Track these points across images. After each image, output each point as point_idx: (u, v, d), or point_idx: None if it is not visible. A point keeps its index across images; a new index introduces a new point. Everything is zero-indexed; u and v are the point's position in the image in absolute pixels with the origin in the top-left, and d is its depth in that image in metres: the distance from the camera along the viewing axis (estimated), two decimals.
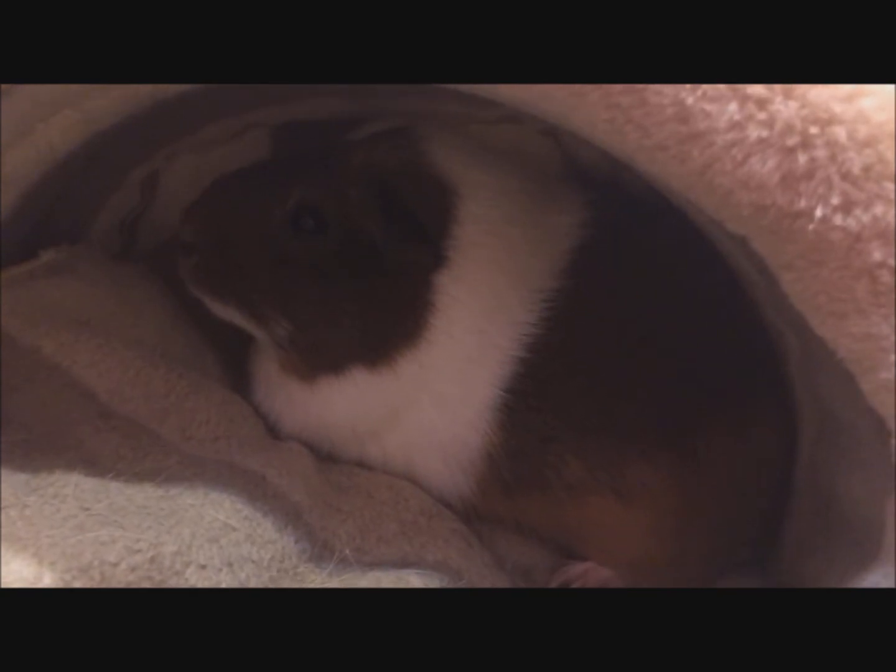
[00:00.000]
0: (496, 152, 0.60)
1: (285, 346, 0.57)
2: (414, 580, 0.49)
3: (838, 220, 0.34)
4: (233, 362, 0.64)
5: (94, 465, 0.49)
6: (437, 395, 0.56)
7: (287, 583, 0.48)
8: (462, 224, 0.55)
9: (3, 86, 0.46)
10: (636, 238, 0.57)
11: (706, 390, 0.54)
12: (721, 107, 0.34)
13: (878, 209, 0.33)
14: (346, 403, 0.57)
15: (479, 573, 0.54)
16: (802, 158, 0.34)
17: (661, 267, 0.56)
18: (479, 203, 0.55)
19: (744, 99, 0.34)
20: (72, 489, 0.45)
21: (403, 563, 0.53)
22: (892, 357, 0.35)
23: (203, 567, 0.45)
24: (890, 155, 0.33)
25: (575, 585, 0.57)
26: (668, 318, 0.55)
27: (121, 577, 0.41)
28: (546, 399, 0.54)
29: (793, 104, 0.34)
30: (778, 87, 0.34)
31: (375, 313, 0.55)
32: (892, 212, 0.33)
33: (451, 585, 0.51)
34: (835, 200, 0.34)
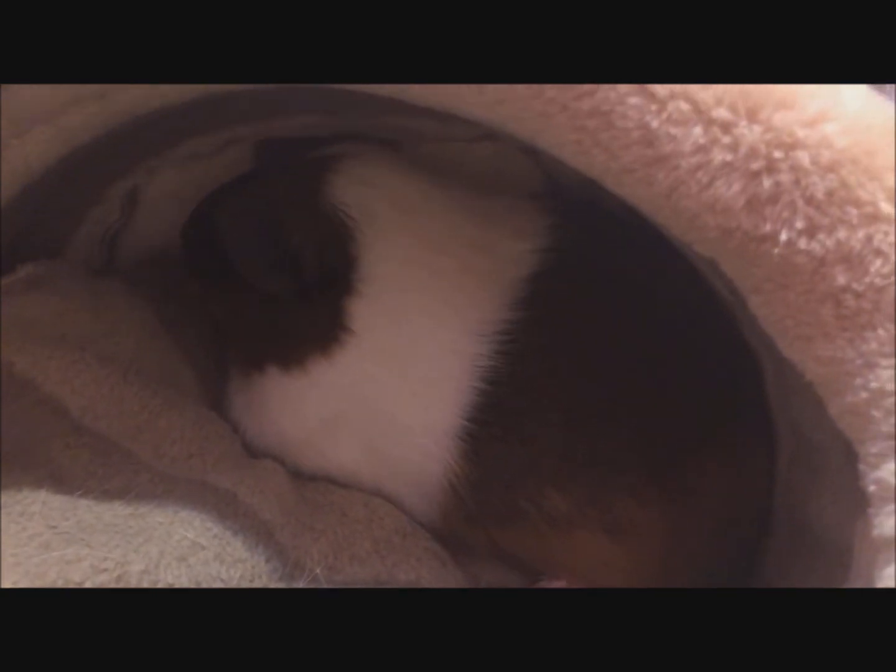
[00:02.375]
0: (468, 172, 0.60)
1: (217, 326, 0.62)
2: None
3: (803, 244, 0.34)
4: (210, 380, 0.64)
5: (64, 481, 0.49)
6: (384, 420, 0.55)
7: None
8: (363, 258, 0.55)
9: None
10: (609, 261, 0.56)
11: (694, 419, 0.53)
12: (686, 130, 0.34)
13: (842, 234, 0.33)
14: (272, 402, 0.58)
15: None
16: (767, 182, 0.34)
17: (636, 290, 0.55)
18: (384, 240, 0.55)
19: (708, 122, 0.34)
20: (39, 507, 0.45)
21: (375, 583, 0.52)
22: (858, 381, 0.35)
23: (171, 586, 0.44)
24: (852, 180, 0.33)
25: None
26: (647, 344, 0.54)
27: None
28: (515, 431, 0.53)
29: (757, 128, 0.34)
30: (742, 110, 0.34)
31: (278, 318, 0.56)
32: (856, 236, 0.33)
33: None
34: (799, 224, 0.34)
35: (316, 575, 0.51)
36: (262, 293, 0.56)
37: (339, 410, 0.56)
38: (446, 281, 0.54)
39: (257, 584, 0.49)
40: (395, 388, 0.55)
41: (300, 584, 0.50)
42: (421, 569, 0.54)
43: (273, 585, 0.50)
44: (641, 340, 0.53)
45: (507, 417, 0.53)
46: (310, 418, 0.57)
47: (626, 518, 0.52)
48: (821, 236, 0.34)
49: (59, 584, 0.40)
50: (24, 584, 0.40)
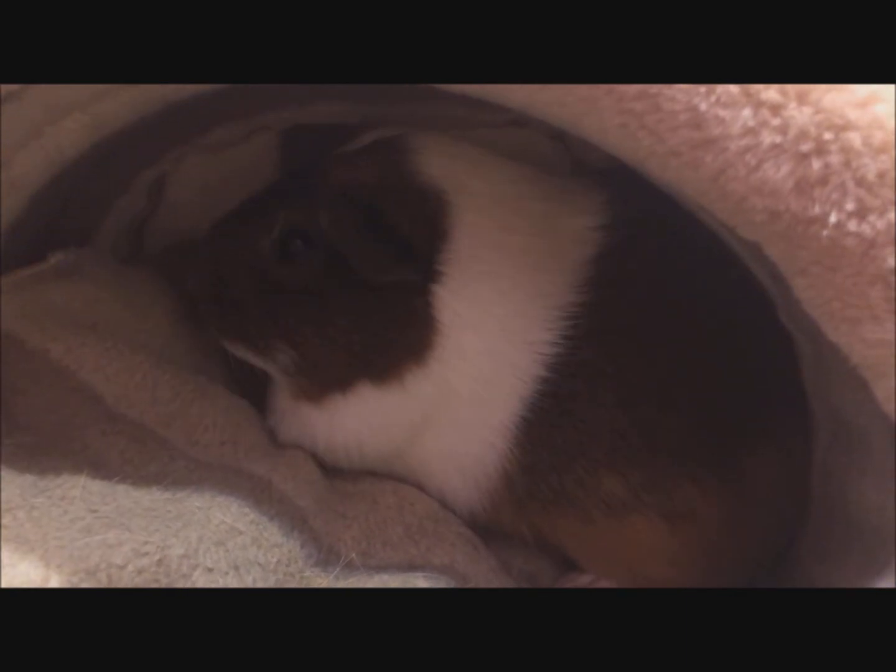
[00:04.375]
0: (502, 155, 0.58)
1: (291, 373, 0.57)
2: (421, 583, 0.50)
3: (853, 225, 0.34)
4: (237, 367, 0.64)
5: (101, 468, 0.49)
6: (455, 417, 0.54)
7: (293, 586, 0.48)
8: (455, 236, 0.53)
9: (14, 88, 0.46)
10: (657, 241, 0.54)
11: (744, 405, 0.52)
12: (735, 112, 0.34)
13: (893, 215, 0.33)
14: (356, 421, 0.56)
15: (486, 578, 0.54)
16: (817, 164, 0.34)
17: (683, 272, 0.54)
18: (475, 212, 0.53)
19: (757, 105, 0.34)
20: (79, 491, 0.45)
21: (410, 567, 0.53)
22: None
23: (210, 570, 0.45)
24: None
25: None
26: (696, 328, 0.53)
27: (128, 580, 0.41)
28: (570, 416, 0.52)
29: (807, 110, 0.34)
30: (792, 92, 0.34)
31: (374, 329, 0.54)
32: None
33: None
34: (849, 206, 0.34)
35: (351, 560, 0.51)
36: (352, 302, 0.54)
37: (428, 418, 0.55)
38: (518, 262, 0.53)
39: (293, 569, 0.49)
40: (469, 389, 0.53)
41: (335, 569, 0.50)
42: (455, 553, 0.54)
43: (308, 570, 0.50)
44: (691, 324, 0.52)
45: (563, 402, 0.52)
46: (397, 429, 0.56)
47: (686, 505, 0.52)
48: (871, 218, 0.34)
49: (103, 568, 0.41)
50: (68, 567, 0.40)
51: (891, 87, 0.34)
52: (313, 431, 0.58)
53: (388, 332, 0.54)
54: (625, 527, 0.53)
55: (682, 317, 0.53)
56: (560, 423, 0.53)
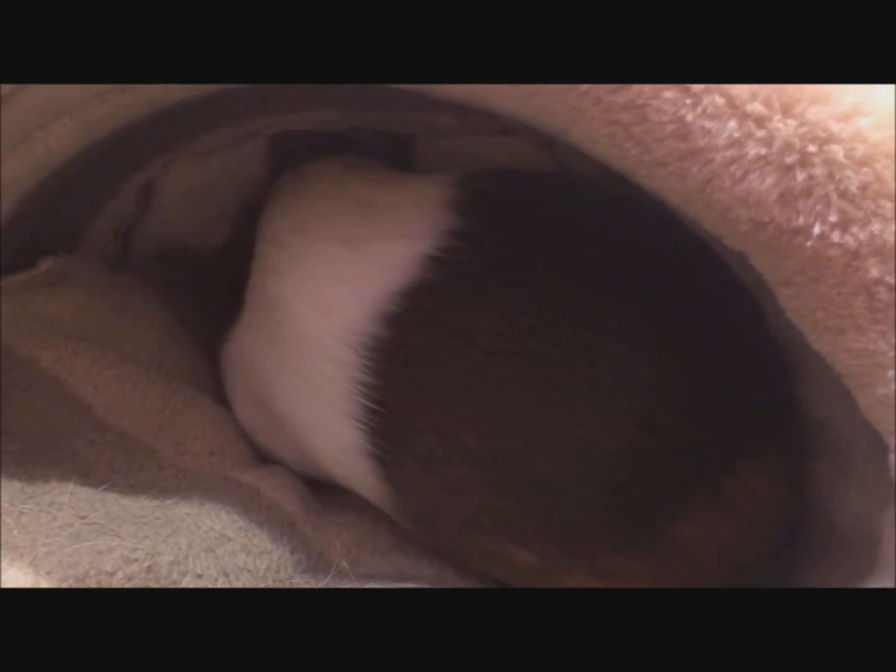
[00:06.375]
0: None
1: None
2: None
3: (836, 237, 0.34)
4: None
5: (89, 476, 0.49)
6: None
7: None
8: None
9: (3, 92, 0.46)
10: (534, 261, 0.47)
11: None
12: (720, 124, 0.35)
13: (876, 227, 0.34)
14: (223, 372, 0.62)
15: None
16: (801, 176, 0.34)
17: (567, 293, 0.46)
18: (266, 220, 0.59)
19: (743, 116, 0.34)
20: (68, 497, 0.45)
21: (401, 577, 0.53)
22: (890, 373, 0.35)
23: (200, 576, 0.45)
24: (887, 174, 0.33)
25: None
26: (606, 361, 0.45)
27: (117, 587, 0.41)
28: (437, 476, 0.46)
29: (791, 122, 0.34)
30: (777, 104, 0.34)
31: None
32: (890, 229, 0.34)
33: None
34: (833, 218, 0.34)
35: (342, 567, 0.51)
36: None
37: (251, 387, 0.57)
38: (311, 272, 0.51)
39: (283, 576, 0.49)
40: (285, 378, 0.53)
41: (326, 577, 0.50)
42: (444, 565, 0.54)
43: (298, 577, 0.50)
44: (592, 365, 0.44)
45: (421, 459, 0.46)
46: (236, 392, 0.60)
47: (615, 567, 0.45)
48: (854, 229, 0.34)
49: (92, 574, 0.41)
50: (57, 574, 0.40)
51: (874, 100, 0.34)
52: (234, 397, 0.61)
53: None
54: (557, 584, 0.46)
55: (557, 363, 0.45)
56: (429, 483, 0.46)
